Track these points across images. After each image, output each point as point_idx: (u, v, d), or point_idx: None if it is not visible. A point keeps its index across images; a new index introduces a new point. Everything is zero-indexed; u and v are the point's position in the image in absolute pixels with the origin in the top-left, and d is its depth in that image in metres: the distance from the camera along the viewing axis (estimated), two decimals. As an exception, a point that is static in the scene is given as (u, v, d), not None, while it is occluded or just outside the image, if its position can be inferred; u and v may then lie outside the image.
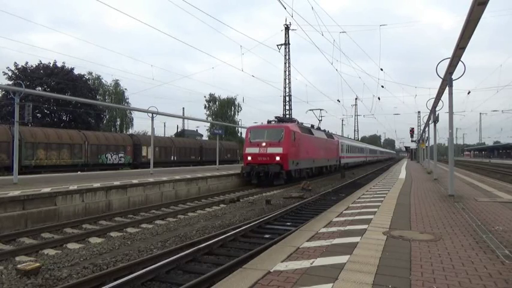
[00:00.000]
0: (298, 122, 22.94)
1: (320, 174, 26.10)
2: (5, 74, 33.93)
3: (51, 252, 6.94)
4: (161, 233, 8.54)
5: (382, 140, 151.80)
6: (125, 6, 57.84)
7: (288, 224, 9.24)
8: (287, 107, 34.55)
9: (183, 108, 66.15)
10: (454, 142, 41.58)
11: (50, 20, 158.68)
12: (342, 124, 69.67)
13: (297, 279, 3.34)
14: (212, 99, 62.58)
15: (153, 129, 20.23)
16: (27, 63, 35.59)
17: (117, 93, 50.62)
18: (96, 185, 11.86)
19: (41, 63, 36.04)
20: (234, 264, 5.47)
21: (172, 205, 12.81)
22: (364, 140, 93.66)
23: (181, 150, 34.51)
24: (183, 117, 58.70)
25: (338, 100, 46.36)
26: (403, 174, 20.13)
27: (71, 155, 23.92)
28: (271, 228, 8.73)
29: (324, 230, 5.53)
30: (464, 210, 7.29)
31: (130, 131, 49.75)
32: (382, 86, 43.91)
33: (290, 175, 19.48)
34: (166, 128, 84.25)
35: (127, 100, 51.66)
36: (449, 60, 9.12)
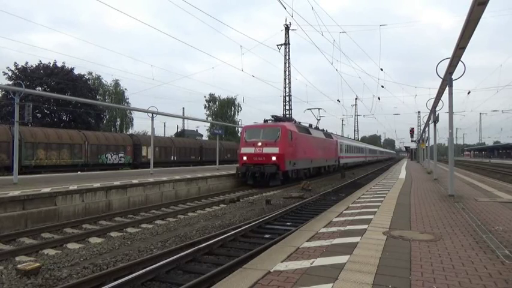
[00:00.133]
0: (295, 121, 22.60)
1: (318, 175, 25.72)
2: (5, 74, 33.95)
3: (51, 252, 6.94)
4: (161, 233, 8.54)
5: (382, 140, 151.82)
6: (125, 6, 57.92)
7: (288, 224, 9.24)
8: (287, 107, 34.56)
9: (183, 108, 66.20)
10: (454, 142, 41.57)
11: (50, 20, 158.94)
12: (342, 124, 69.71)
13: (297, 279, 3.34)
14: (212, 99, 62.61)
15: (153, 129, 20.23)
16: (27, 63, 35.62)
17: (117, 93, 50.63)
18: (96, 185, 11.86)
19: (41, 63, 36.05)
20: (234, 264, 5.47)
21: (172, 205, 12.81)
22: (364, 140, 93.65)
23: (181, 150, 34.50)
24: (183, 117, 58.70)
25: (338, 100, 46.37)
26: (403, 174, 20.13)
27: (71, 155, 23.91)
28: (271, 228, 8.73)
29: (324, 230, 5.53)
30: (464, 210, 7.29)
31: (130, 131, 49.80)
32: (382, 86, 43.96)
33: (287, 176, 19.12)
34: (166, 128, 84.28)
35: (127, 100, 51.71)
36: (449, 60, 9.12)
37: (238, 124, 55.41)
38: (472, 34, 7.40)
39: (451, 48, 8.71)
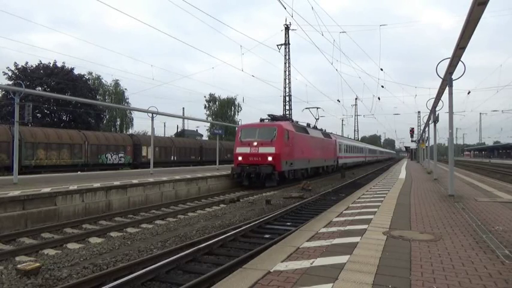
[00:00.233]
0: (292, 121, 22.21)
1: (316, 175, 25.24)
2: (5, 74, 33.96)
3: (51, 252, 6.94)
4: (161, 233, 8.53)
5: (382, 140, 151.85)
6: (125, 6, 57.96)
7: (288, 224, 9.23)
8: (287, 107, 34.56)
9: (183, 108, 66.19)
10: (454, 142, 41.57)
11: (49, 20, 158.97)
12: (342, 124, 69.72)
13: (297, 279, 3.34)
14: (212, 99, 62.61)
15: (153, 129, 20.23)
16: (27, 63, 35.63)
17: (117, 93, 50.64)
18: (96, 185, 11.86)
19: (41, 63, 36.06)
20: (234, 264, 5.47)
21: (172, 205, 12.81)
22: (364, 140, 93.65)
23: (181, 150, 34.50)
24: (183, 117, 58.71)
25: (338, 100, 46.40)
26: (403, 174, 20.13)
27: (71, 155, 23.91)
28: (271, 228, 8.73)
29: (324, 230, 5.53)
30: (464, 210, 7.29)
31: (130, 131, 49.81)
32: (382, 86, 43.99)
33: (283, 176, 18.62)
34: (166, 128, 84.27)
35: (127, 100, 51.73)
36: (449, 60, 9.12)
37: (238, 124, 55.43)
38: (472, 34, 7.40)
39: (451, 48, 8.72)
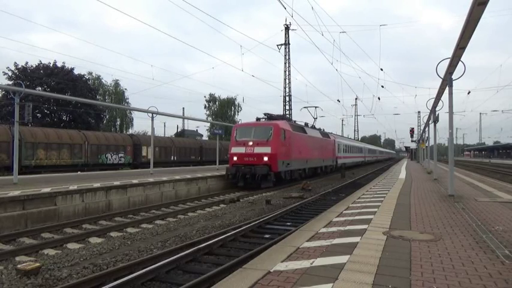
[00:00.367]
0: (289, 120, 21.70)
1: (314, 176, 24.71)
2: (5, 74, 33.98)
3: (51, 252, 6.94)
4: (161, 233, 8.53)
5: (382, 140, 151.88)
6: (125, 6, 58.05)
7: (288, 224, 9.23)
8: (287, 107, 34.56)
9: (183, 108, 66.20)
10: (454, 142, 41.56)
11: (49, 20, 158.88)
12: (342, 124, 69.79)
13: (297, 279, 3.34)
14: (212, 99, 62.63)
15: (153, 129, 20.24)
16: (27, 63, 35.64)
17: (117, 93, 50.66)
18: (96, 185, 11.86)
19: (41, 63, 36.07)
20: (234, 264, 5.47)
21: (172, 205, 12.81)
22: (364, 140, 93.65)
23: (181, 150, 34.50)
24: (183, 117, 58.72)
25: (338, 100, 46.47)
26: (403, 174, 20.13)
27: (71, 155, 23.91)
28: (271, 228, 8.73)
29: (324, 230, 5.53)
30: (464, 210, 7.29)
31: (130, 131, 49.83)
32: (382, 86, 44.02)
33: (279, 177, 18.17)
34: (166, 128, 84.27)
35: (127, 100, 51.75)
36: (449, 60, 9.12)
37: (238, 124, 55.32)
38: (472, 34, 7.40)
39: (451, 48, 8.72)
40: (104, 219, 10.18)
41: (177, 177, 15.57)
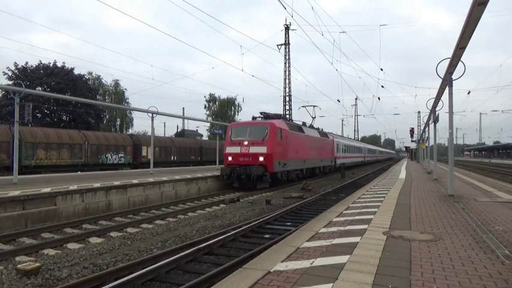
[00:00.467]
0: (287, 119, 21.15)
1: (312, 176, 24.05)
2: (5, 74, 33.98)
3: (51, 252, 6.94)
4: (161, 233, 8.53)
5: (382, 140, 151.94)
6: (125, 6, 58.12)
7: (288, 224, 9.23)
8: (287, 107, 34.56)
9: (183, 108, 66.21)
10: (454, 142, 41.56)
11: (49, 20, 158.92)
12: (342, 124, 69.82)
13: (297, 279, 3.34)
14: (212, 99, 62.68)
15: (153, 129, 20.24)
16: (27, 63, 35.65)
17: (117, 93, 50.68)
18: (96, 185, 11.86)
19: (41, 63, 36.07)
20: (234, 264, 5.47)
21: (172, 205, 12.81)
22: (364, 140, 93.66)
23: (181, 150, 34.50)
24: (183, 117, 58.74)
25: (338, 100, 46.47)
26: (403, 174, 20.13)
27: (71, 155, 23.92)
28: (271, 228, 8.73)
29: (324, 230, 5.53)
30: (464, 210, 7.29)
31: (130, 131, 49.86)
32: (382, 86, 44.03)
33: (276, 177, 17.68)
34: (166, 128, 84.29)
35: (127, 100, 51.77)
36: (449, 60, 9.12)
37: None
38: (472, 34, 7.40)
39: (451, 48, 8.72)
40: (104, 219, 10.18)
41: (177, 177, 15.57)
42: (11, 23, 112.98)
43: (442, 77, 10.64)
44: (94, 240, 7.94)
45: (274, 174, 17.44)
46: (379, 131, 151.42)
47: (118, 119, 51.29)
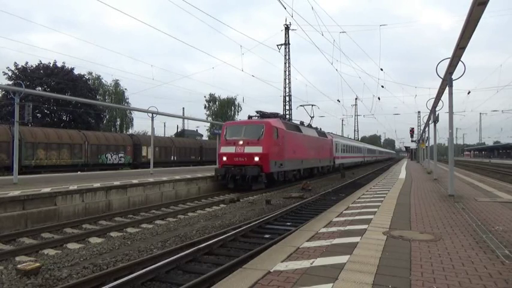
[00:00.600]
0: (284, 118, 20.82)
1: (310, 177, 23.46)
2: (5, 74, 34.00)
3: (51, 252, 6.94)
4: (161, 233, 8.53)
5: (382, 140, 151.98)
6: (125, 6, 58.16)
7: (288, 224, 9.24)
8: (287, 107, 34.55)
9: (183, 108, 66.19)
10: (454, 142, 41.56)
11: (49, 20, 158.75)
12: (342, 124, 69.79)
13: (297, 279, 3.34)
14: (212, 99, 62.71)
15: (153, 129, 20.24)
16: (27, 63, 35.66)
17: (117, 93, 50.70)
18: (96, 185, 11.86)
19: (41, 63, 36.08)
20: (234, 264, 5.47)
21: (172, 205, 12.81)
22: (364, 140, 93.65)
23: (181, 150, 34.51)
24: (183, 117, 58.75)
25: (338, 100, 46.46)
26: (403, 174, 20.13)
27: (71, 155, 23.92)
28: (271, 228, 8.73)
29: (324, 230, 5.53)
30: (464, 210, 7.29)
31: (130, 131, 49.87)
32: (382, 86, 44.06)
33: (272, 178, 17.23)
34: (166, 128, 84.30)
35: (127, 100, 51.80)
36: (449, 60, 9.12)
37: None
38: (472, 34, 7.40)
39: (451, 48, 8.73)
40: (104, 219, 10.18)
41: (177, 177, 15.57)
42: (11, 23, 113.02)
43: (442, 77, 10.64)
44: (94, 240, 7.94)
45: (270, 174, 17.04)
46: (379, 131, 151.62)
47: (118, 119, 51.31)
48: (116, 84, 50.92)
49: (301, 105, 26.79)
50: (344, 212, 7.27)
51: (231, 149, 17.02)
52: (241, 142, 16.83)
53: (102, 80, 50.25)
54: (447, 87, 9.81)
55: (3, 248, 7.16)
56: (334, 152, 31.06)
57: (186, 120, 63.57)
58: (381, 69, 35.27)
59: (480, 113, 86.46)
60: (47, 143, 22.49)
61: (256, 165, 16.17)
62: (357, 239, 4.84)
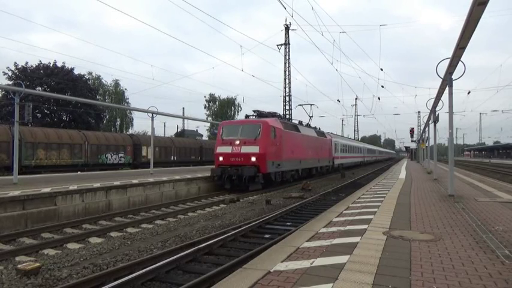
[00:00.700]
0: (281, 117, 20.79)
1: (309, 177, 23.06)
2: (5, 74, 34.01)
3: (51, 252, 6.94)
4: (161, 233, 8.54)
5: (382, 140, 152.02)
6: (125, 6, 58.30)
7: (288, 224, 9.24)
8: (287, 107, 34.55)
9: (183, 108, 66.18)
10: (454, 142, 41.57)
11: (49, 20, 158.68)
12: (342, 124, 69.81)
13: (297, 279, 3.34)
14: (212, 99, 62.76)
15: (153, 129, 20.24)
16: (27, 63, 35.67)
17: (117, 93, 50.73)
18: (96, 185, 11.86)
19: (41, 63, 36.09)
20: (234, 264, 5.47)
21: (172, 205, 12.81)
22: (364, 140, 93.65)
23: (181, 150, 34.51)
24: (183, 117, 58.75)
25: (338, 100, 46.44)
26: (403, 174, 20.13)
27: (71, 155, 23.92)
28: (271, 228, 8.73)
29: (324, 230, 5.53)
30: (464, 210, 7.29)
31: (130, 131, 49.90)
32: (382, 86, 44.03)
33: (269, 179, 16.91)
34: (166, 128, 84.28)
35: (127, 100, 51.84)
36: (449, 60, 9.12)
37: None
38: (472, 34, 7.41)
39: (451, 48, 8.73)
40: (104, 219, 10.18)
41: (177, 177, 15.57)
42: (11, 23, 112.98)
43: (442, 77, 10.64)
44: (94, 240, 7.94)
45: (268, 175, 16.73)
46: (379, 131, 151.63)
47: (118, 119, 51.35)
48: (116, 84, 51.01)
49: (299, 105, 26.65)
50: (344, 212, 7.27)
51: (227, 149, 16.75)
52: (237, 142, 16.57)
53: (102, 80, 50.35)
54: (447, 87, 9.81)
55: (3, 248, 7.16)
56: (333, 152, 30.90)
57: (186, 120, 63.66)
58: (381, 69, 35.29)
59: (480, 113, 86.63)
60: (47, 143, 22.50)
61: (253, 166, 15.91)
62: (357, 239, 4.84)
